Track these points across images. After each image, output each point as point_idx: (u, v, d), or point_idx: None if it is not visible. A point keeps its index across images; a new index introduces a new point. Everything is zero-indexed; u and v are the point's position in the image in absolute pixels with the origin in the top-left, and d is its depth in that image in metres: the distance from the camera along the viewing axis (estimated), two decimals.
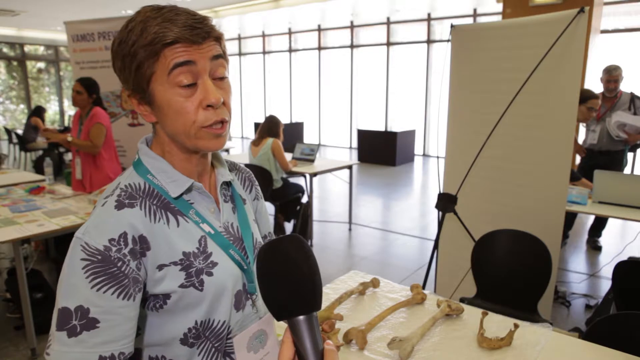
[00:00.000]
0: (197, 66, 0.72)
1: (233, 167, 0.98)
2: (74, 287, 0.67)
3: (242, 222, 0.88)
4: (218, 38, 0.75)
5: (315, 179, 6.38)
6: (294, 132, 11.21)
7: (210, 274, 0.78)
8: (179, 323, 0.77)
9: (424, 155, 10.23)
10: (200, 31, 0.71)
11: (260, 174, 4.20)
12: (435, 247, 2.87)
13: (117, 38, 0.73)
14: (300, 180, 5.26)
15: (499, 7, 7.41)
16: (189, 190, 0.80)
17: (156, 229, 0.75)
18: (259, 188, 1.02)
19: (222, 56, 0.76)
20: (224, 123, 0.76)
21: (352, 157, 10.08)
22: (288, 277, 0.61)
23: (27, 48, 13.30)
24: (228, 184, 0.90)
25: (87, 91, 3.36)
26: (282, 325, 0.61)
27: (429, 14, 9.39)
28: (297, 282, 0.61)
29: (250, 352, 0.86)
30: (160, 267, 0.74)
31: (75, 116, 3.54)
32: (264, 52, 12.61)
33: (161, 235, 0.75)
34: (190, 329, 0.77)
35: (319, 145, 5.08)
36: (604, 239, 4.48)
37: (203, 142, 0.75)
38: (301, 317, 0.61)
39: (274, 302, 0.62)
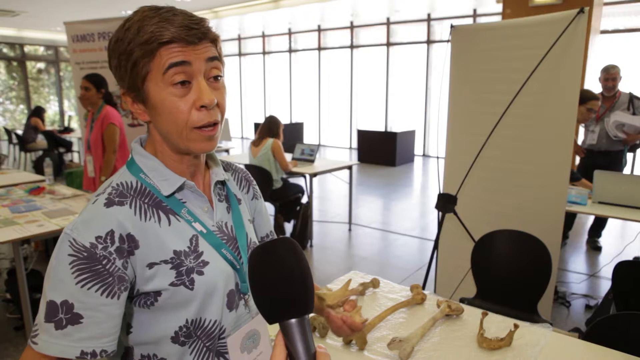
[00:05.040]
0: (192, 67, 0.72)
1: (229, 167, 0.98)
2: (60, 281, 0.69)
3: (237, 222, 0.89)
4: (214, 40, 0.76)
5: (315, 180, 6.37)
6: (294, 133, 11.20)
7: (201, 273, 0.78)
8: (169, 321, 0.77)
9: (424, 155, 10.23)
10: (197, 32, 0.72)
11: (260, 174, 4.20)
12: (435, 247, 2.87)
13: (113, 37, 0.74)
14: (300, 181, 5.26)
15: (499, 8, 7.41)
16: (181, 188, 0.81)
17: (146, 227, 0.75)
18: (257, 187, 1.02)
19: (218, 58, 0.76)
20: (215, 125, 0.76)
21: (352, 158, 10.08)
22: (280, 280, 0.61)
23: (27, 48, 13.30)
24: (223, 184, 0.91)
25: (95, 87, 3.29)
26: (275, 326, 0.61)
27: (428, 15, 9.39)
28: (290, 285, 0.61)
29: (244, 352, 0.86)
30: (151, 266, 0.75)
31: (89, 116, 3.45)
32: (264, 53, 12.61)
33: (152, 233, 0.75)
34: (181, 327, 0.78)
35: (319, 145, 5.09)
36: (604, 239, 4.48)
37: (194, 144, 0.76)
38: (293, 320, 0.60)
39: (266, 305, 0.62)
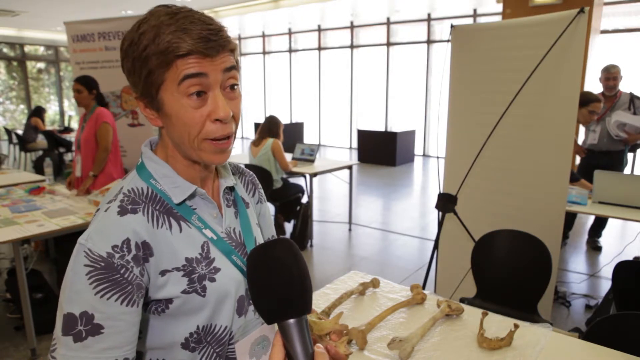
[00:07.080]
0: (208, 78, 0.70)
1: (236, 170, 0.97)
2: (78, 293, 0.67)
3: (245, 227, 0.88)
4: (232, 50, 0.74)
5: (315, 179, 6.37)
6: (294, 132, 11.20)
7: (212, 280, 0.78)
8: (180, 327, 0.77)
9: (424, 155, 10.23)
10: (215, 44, 0.69)
11: (260, 174, 4.20)
12: (435, 247, 2.87)
13: (127, 37, 0.72)
14: (300, 181, 5.26)
15: (499, 8, 7.41)
16: (192, 196, 0.80)
17: (159, 234, 0.75)
18: (262, 191, 1.02)
19: (235, 67, 0.74)
20: (229, 138, 0.75)
21: (352, 158, 10.08)
22: (278, 280, 0.61)
23: (27, 48, 13.30)
24: (231, 188, 0.90)
25: (87, 88, 3.37)
26: None
27: (429, 14, 9.39)
28: (288, 285, 0.61)
29: (253, 358, 0.85)
30: (163, 273, 0.74)
31: (81, 117, 3.55)
32: (264, 53, 12.62)
33: (164, 241, 0.75)
34: (191, 334, 0.77)
35: (319, 145, 5.09)
36: (604, 239, 4.48)
37: (206, 155, 0.75)
38: (292, 321, 0.61)
39: (265, 306, 0.62)
